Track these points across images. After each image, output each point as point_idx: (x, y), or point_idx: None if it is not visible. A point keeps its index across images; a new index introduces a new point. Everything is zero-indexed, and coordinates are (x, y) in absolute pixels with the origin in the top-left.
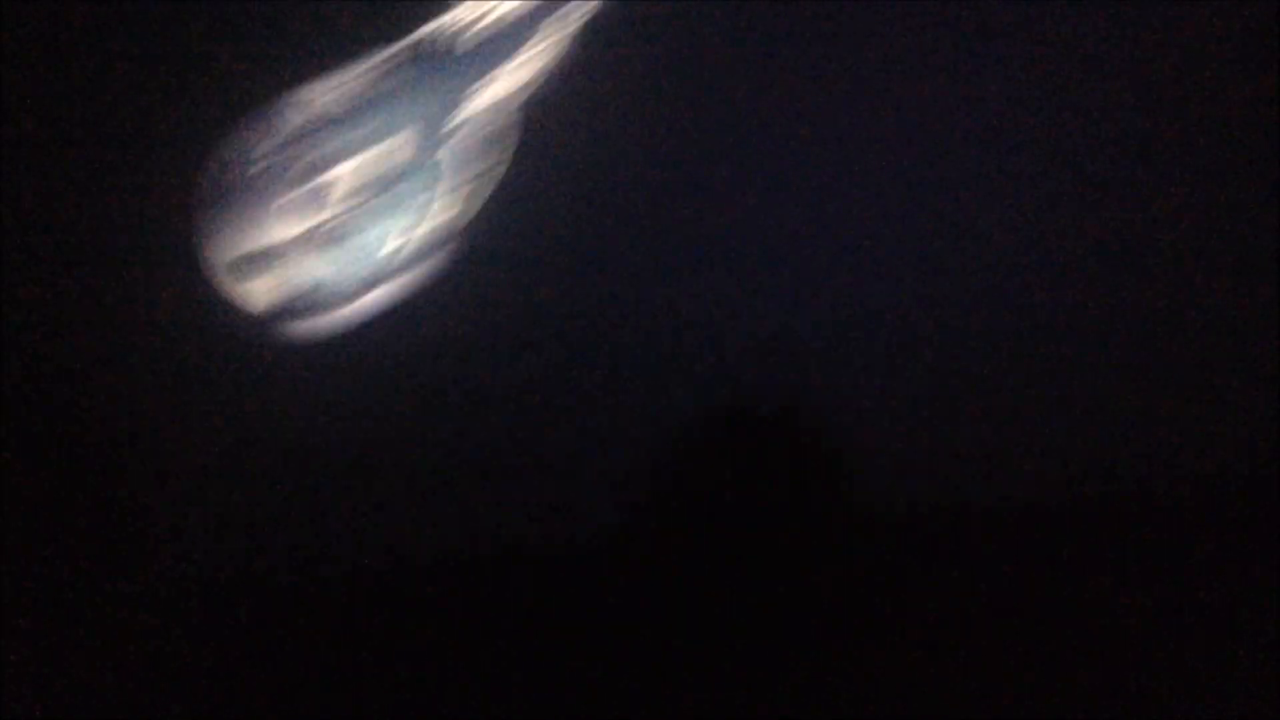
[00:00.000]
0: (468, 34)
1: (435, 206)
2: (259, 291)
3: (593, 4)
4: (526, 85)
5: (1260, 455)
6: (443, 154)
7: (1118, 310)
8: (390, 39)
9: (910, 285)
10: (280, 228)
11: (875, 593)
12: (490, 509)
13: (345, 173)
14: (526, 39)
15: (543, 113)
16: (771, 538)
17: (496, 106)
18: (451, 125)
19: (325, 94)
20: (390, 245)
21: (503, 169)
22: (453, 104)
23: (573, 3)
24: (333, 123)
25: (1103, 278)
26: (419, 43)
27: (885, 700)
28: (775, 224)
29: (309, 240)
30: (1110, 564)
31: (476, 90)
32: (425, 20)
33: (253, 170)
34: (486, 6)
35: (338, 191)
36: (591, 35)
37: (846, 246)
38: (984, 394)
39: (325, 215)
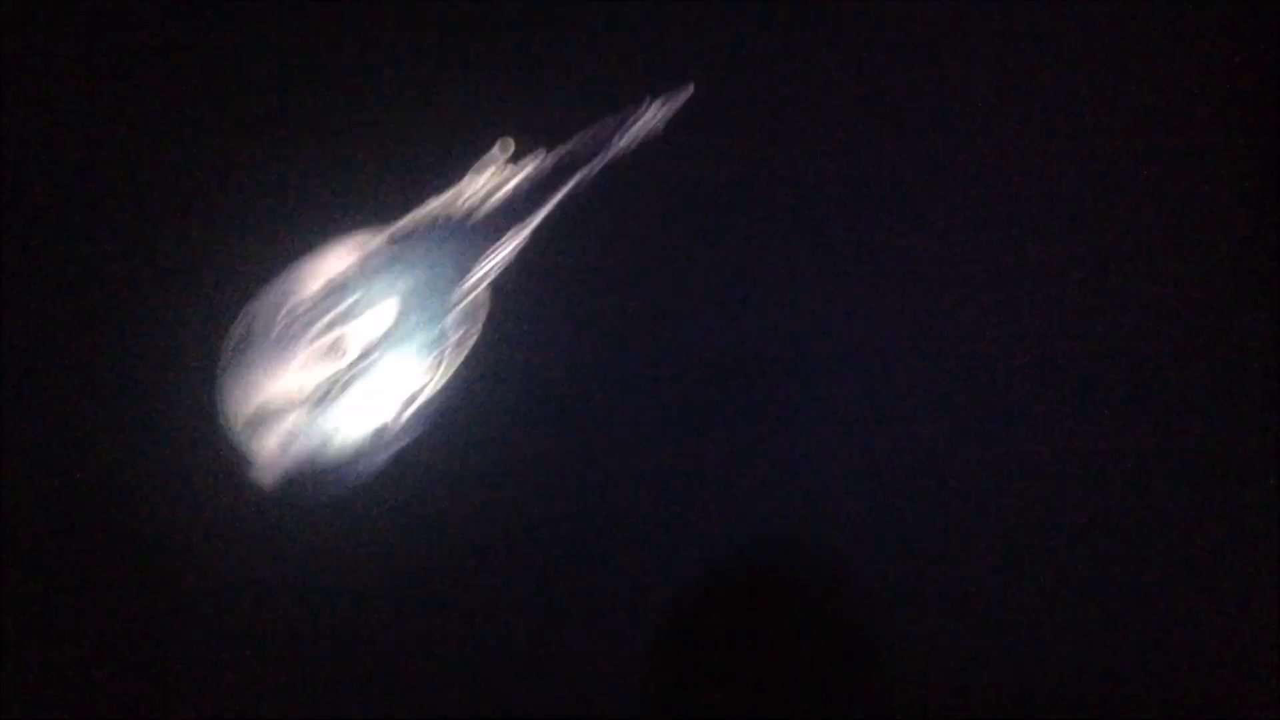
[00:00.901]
0: (476, 210)
1: (439, 368)
2: (271, 446)
3: (579, 178)
4: (526, 255)
5: None
6: (449, 319)
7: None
8: (404, 211)
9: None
10: (295, 385)
11: None
12: (489, 669)
13: (357, 333)
14: (525, 214)
15: (540, 282)
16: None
17: (498, 275)
18: (457, 292)
19: (341, 261)
20: (397, 404)
21: (501, 334)
22: (459, 272)
23: (562, 188)
24: (348, 287)
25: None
26: (431, 215)
27: None
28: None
29: (321, 396)
30: None
31: (481, 260)
32: (436, 195)
33: (273, 332)
34: (491, 185)
35: (350, 351)
36: (587, 207)
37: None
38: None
39: (337, 373)
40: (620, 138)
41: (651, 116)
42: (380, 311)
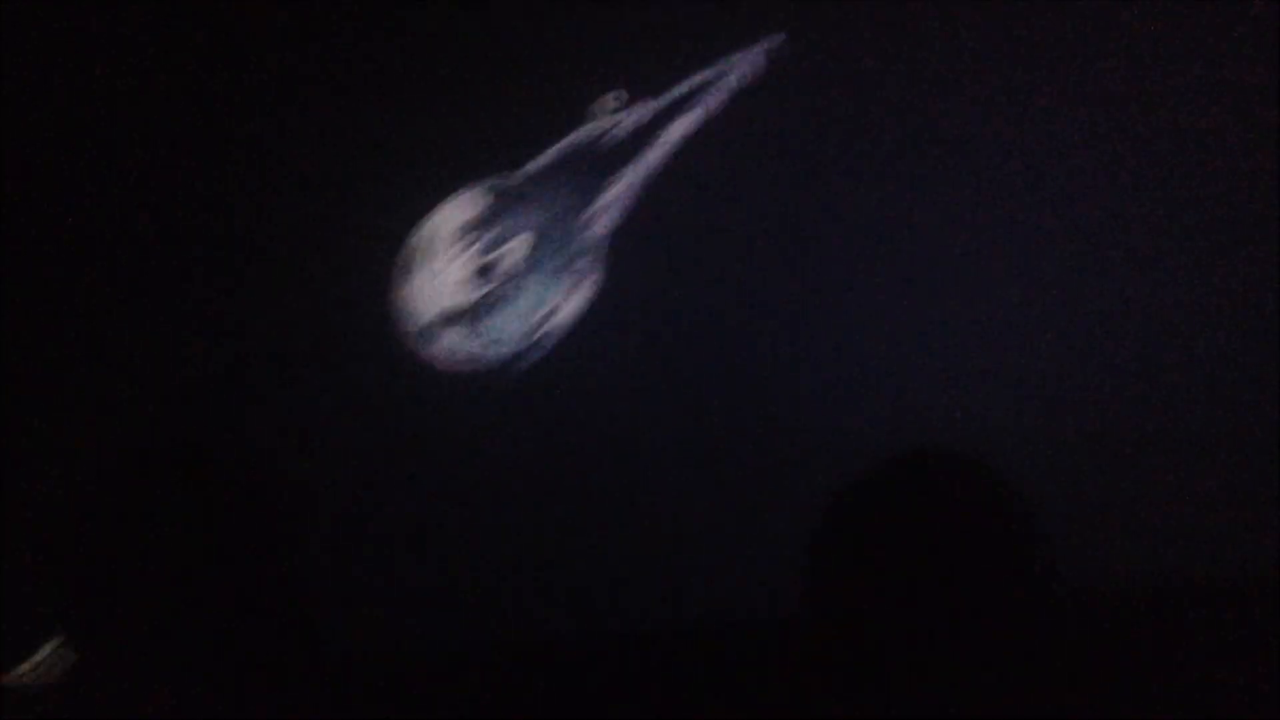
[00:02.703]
0: (605, 140)
1: (583, 276)
2: (445, 346)
3: (686, 123)
4: (655, 176)
5: None
6: (588, 234)
7: None
8: (546, 145)
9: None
10: (462, 295)
11: None
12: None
13: (513, 250)
14: (654, 138)
15: (671, 199)
16: None
17: (629, 197)
18: (594, 211)
19: (497, 188)
20: (547, 308)
21: (639, 244)
22: (595, 195)
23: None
24: (503, 211)
25: None
26: (568, 148)
27: None
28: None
29: (484, 304)
30: None
31: (612, 185)
32: (570, 131)
33: (441, 249)
34: (618, 119)
35: (507, 265)
36: (698, 149)
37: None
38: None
39: (491, 290)
40: (724, 82)
41: (751, 62)
42: (518, 242)
